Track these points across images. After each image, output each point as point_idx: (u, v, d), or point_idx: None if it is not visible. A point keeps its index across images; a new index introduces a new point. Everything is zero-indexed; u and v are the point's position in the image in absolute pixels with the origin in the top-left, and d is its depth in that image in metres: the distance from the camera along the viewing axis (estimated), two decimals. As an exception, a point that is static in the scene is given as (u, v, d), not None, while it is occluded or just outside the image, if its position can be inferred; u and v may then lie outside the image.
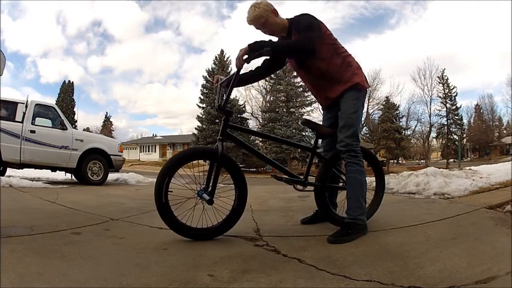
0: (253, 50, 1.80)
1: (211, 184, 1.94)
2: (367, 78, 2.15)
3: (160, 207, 1.85)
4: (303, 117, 29.84)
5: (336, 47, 2.06)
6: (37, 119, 5.62)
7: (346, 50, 2.09)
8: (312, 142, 2.29)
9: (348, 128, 1.99)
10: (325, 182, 2.15)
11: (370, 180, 3.33)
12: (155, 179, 1.90)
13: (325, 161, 2.18)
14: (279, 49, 1.90)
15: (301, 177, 2.16)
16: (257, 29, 2.03)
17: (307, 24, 1.93)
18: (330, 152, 2.20)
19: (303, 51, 1.91)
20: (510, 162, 4.54)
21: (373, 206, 2.33)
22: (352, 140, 1.98)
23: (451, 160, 35.86)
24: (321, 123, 2.33)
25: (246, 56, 1.81)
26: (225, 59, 32.84)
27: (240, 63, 1.83)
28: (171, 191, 1.87)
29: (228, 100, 1.99)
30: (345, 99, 2.03)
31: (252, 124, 34.24)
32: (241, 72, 1.94)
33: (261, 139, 27.43)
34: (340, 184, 2.25)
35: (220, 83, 2.07)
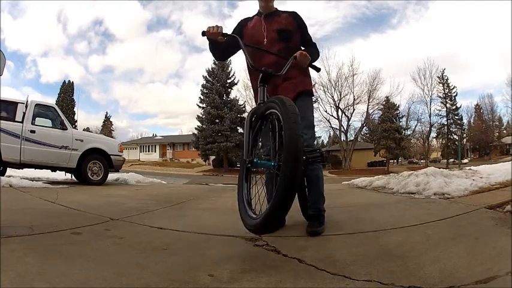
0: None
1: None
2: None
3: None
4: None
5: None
6: (37, 119, 5.63)
7: None
8: None
9: (309, 129, 2.17)
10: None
11: (370, 180, 3.35)
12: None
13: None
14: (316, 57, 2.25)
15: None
16: None
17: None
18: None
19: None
20: (510, 162, 4.54)
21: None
22: (313, 141, 2.24)
23: (451, 160, 35.86)
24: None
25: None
26: (225, 59, 32.73)
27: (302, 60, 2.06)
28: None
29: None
30: (305, 101, 2.22)
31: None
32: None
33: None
34: None
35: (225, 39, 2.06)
